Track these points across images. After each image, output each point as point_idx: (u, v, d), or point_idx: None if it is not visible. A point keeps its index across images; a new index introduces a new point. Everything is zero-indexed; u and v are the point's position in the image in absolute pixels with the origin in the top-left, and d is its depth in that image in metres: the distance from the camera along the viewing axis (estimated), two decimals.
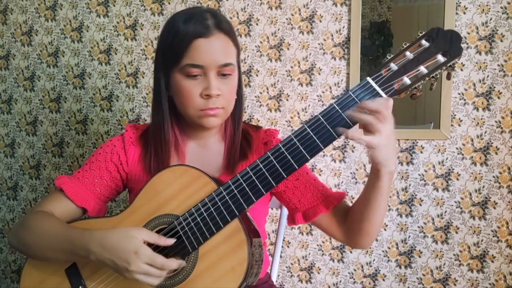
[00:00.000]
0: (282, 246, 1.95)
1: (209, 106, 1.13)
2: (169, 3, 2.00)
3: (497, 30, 1.72)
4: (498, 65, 1.73)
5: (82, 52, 2.10)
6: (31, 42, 2.15)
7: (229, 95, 1.16)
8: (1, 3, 2.16)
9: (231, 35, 1.16)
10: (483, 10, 1.73)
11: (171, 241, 1.04)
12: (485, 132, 1.76)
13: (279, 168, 1.00)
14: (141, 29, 2.03)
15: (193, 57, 1.12)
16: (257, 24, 1.93)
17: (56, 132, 2.16)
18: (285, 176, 0.99)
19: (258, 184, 1.01)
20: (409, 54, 0.94)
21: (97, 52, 2.08)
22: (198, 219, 1.04)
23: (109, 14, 2.06)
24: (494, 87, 1.74)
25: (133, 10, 2.03)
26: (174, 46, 1.14)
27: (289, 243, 1.97)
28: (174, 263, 1.01)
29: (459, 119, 1.77)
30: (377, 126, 0.92)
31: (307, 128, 0.97)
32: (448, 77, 0.98)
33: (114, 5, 2.05)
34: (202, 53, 1.11)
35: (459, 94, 1.77)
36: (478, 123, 1.76)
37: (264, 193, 1.01)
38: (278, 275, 1.98)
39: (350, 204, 1.19)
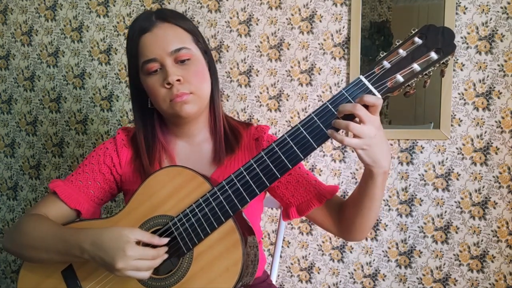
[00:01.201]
0: (282, 246, 1.95)
1: (174, 93, 1.14)
2: (169, 3, 2.00)
3: (497, 30, 1.71)
4: (498, 65, 1.72)
5: (82, 52, 2.10)
6: (31, 42, 2.15)
7: (194, 79, 1.17)
8: (1, 3, 2.16)
9: (179, 22, 1.19)
10: (483, 10, 1.72)
11: (165, 240, 1.04)
12: (485, 132, 1.75)
13: (272, 168, 0.99)
14: None
15: (144, 53, 1.16)
16: (257, 24, 1.92)
17: (56, 132, 2.16)
18: (279, 176, 0.99)
19: (252, 184, 1.01)
20: (402, 52, 0.94)
21: (97, 52, 2.09)
22: (193, 219, 1.04)
23: (109, 14, 2.06)
24: (494, 87, 1.73)
25: (133, 10, 2.03)
26: (129, 50, 1.21)
27: (289, 243, 1.96)
28: (163, 250, 1.02)
29: (459, 119, 1.76)
30: (356, 128, 0.91)
31: (301, 128, 0.97)
32: (442, 74, 0.97)
33: (114, 5, 2.05)
34: (150, 46, 1.15)
35: (459, 94, 1.76)
36: (478, 123, 1.75)
37: (258, 193, 1.01)
38: (278, 275, 1.97)
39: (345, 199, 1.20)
